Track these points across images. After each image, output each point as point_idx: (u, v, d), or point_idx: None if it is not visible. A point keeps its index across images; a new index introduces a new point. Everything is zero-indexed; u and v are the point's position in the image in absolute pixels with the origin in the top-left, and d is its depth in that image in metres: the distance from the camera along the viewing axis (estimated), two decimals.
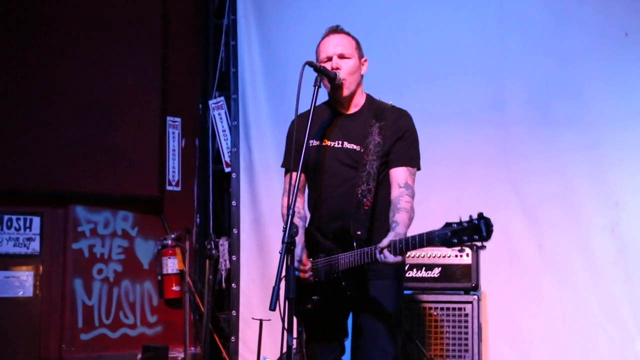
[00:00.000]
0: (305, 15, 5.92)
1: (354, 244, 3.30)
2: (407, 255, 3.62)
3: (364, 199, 3.38)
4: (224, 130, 6.49)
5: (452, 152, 5.22)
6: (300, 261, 3.38)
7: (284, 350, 2.89)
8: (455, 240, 2.97)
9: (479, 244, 2.96)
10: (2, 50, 5.65)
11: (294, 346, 2.92)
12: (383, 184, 3.45)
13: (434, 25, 5.39)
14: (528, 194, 4.94)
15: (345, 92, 3.46)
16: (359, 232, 3.34)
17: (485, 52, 5.21)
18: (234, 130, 6.36)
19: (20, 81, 5.69)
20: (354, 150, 3.45)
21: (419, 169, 3.51)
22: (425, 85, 5.28)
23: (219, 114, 6.52)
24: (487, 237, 2.92)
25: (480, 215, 2.93)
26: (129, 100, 6.10)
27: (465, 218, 2.97)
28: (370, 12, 5.59)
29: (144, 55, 6.22)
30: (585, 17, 4.93)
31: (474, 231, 2.93)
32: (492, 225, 2.93)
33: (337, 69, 3.42)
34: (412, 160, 3.48)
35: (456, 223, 3.00)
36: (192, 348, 6.28)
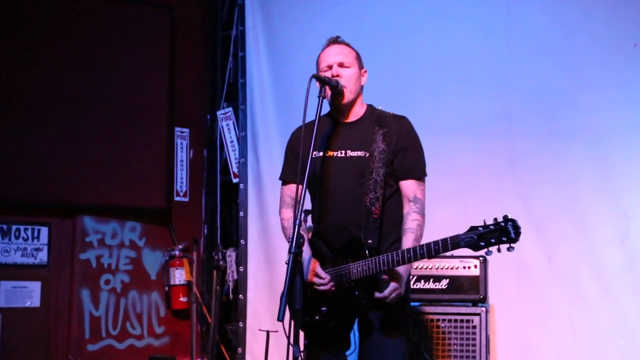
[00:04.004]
0: (314, 27, 5.91)
1: (367, 252, 3.30)
2: (414, 267, 3.62)
3: (373, 207, 3.37)
4: (232, 141, 6.50)
5: (459, 164, 5.20)
6: (316, 274, 3.36)
7: None
8: (483, 244, 3.00)
9: (506, 246, 2.97)
10: (9, 61, 5.66)
11: (300, 358, 2.90)
12: (389, 191, 3.44)
13: (441, 37, 5.38)
14: (536, 206, 4.92)
15: (346, 99, 3.48)
16: (370, 241, 3.34)
17: (492, 63, 5.20)
18: (242, 140, 6.36)
19: (27, 93, 5.70)
20: (359, 158, 3.45)
21: (426, 175, 3.52)
22: (432, 97, 5.28)
23: (227, 125, 6.52)
24: (516, 238, 2.96)
25: (506, 218, 2.97)
26: (137, 111, 6.11)
27: (489, 221, 2.97)
28: (378, 24, 5.59)
29: (152, 66, 6.23)
30: (593, 28, 4.91)
31: (502, 233, 2.97)
32: (519, 227, 2.97)
33: (338, 76, 3.45)
34: (420, 171, 3.50)
35: (482, 226, 3.01)
36: (199, 359, 6.26)
